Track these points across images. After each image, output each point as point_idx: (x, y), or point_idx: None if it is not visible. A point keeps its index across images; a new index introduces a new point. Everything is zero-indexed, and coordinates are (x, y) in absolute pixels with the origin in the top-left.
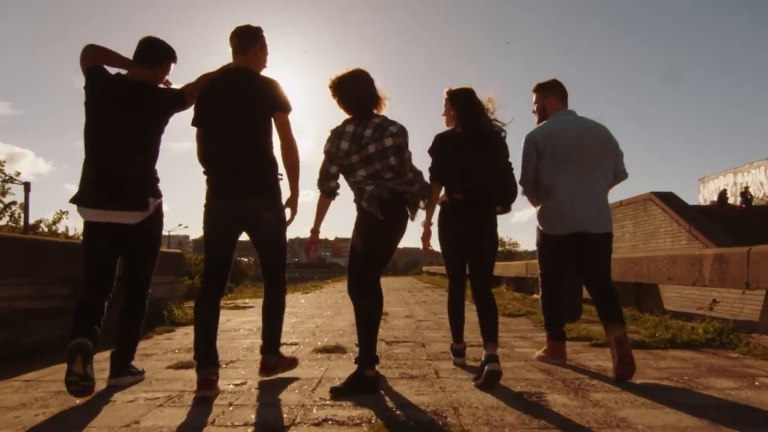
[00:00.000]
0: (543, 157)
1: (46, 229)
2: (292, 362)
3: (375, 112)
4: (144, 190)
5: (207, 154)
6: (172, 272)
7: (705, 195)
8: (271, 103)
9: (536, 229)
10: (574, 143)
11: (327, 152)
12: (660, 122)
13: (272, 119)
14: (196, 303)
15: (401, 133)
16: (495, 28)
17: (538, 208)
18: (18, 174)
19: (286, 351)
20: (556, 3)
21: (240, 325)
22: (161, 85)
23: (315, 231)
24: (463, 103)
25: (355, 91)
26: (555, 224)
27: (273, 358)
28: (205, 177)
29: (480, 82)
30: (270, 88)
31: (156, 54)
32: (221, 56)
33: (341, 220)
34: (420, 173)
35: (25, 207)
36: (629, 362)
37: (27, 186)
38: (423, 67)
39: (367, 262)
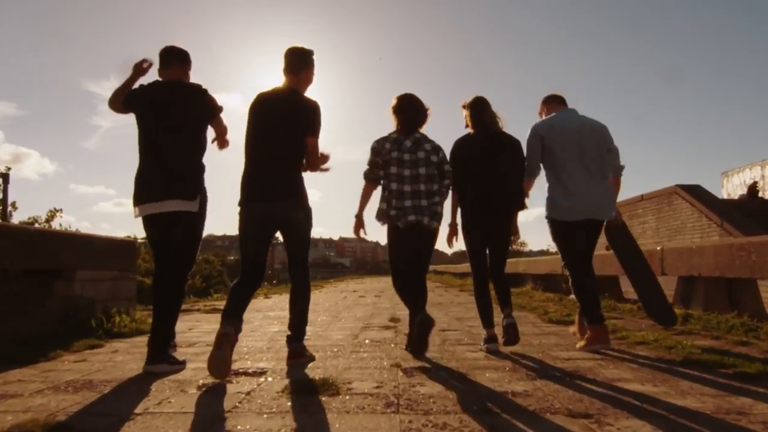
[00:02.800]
0: (547, 147)
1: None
2: (311, 357)
3: (418, 129)
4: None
5: (251, 163)
6: (118, 265)
7: (729, 189)
8: (306, 127)
9: (546, 221)
10: (574, 137)
11: (373, 149)
12: (677, 117)
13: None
14: (232, 287)
15: (434, 150)
16: (497, 28)
17: (546, 198)
18: (9, 169)
19: (242, 384)
20: (560, 3)
21: (204, 335)
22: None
23: (359, 216)
24: (477, 111)
25: (409, 114)
26: (563, 211)
27: (299, 346)
28: (242, 182)
29: (482, 82)
30: (312, 113)
31: (178, 56)
32: (222, 57)
33: (345, 221)
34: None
35: (4, 199)
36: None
37: (5, 177)
38: (424, 66)
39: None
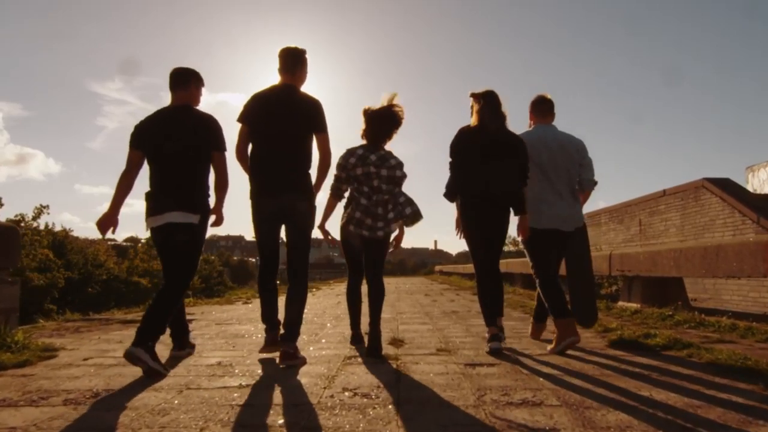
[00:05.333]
0: None
1: (25, 224)
2: (303, 360)
3: (383, 145)
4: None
5: (258, 159)
6: None
7: (754, 184)
8: (312, 123)
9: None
10: (549, 151)
11: (339, 164)
12: (696, 110)
13: (313, 135)
14: (258, 282)
15: (398, 166)
16: (497, 26)
17: None
18: None
19: None
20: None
21: (77, 380)
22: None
23: (322, 226)
24: (489, 104)
25: (378, 127)
26: (534, 219)
27: (292, 346)
28: (250, 177)
29: (482, 80)
30: (313, 109)
31: (186, 78)
32: (226, 56)
33: None
34: (410, 201)
35: None
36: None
37: None
38: (426, 64)
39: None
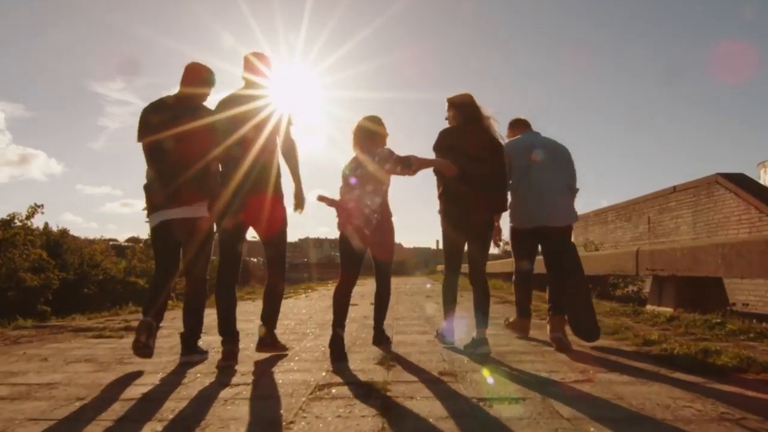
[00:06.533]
0: (514, 164)
1: (19, 224)
2: (283, 348)
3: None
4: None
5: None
6: None
7: (767, 180)
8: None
9: (509, 226)
10: (538, 153)
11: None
12: (702, 107)
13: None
14: (215, 291)
15: (358, 165)
16: (496, 27)
17: (509, 206)
18: None
19: None
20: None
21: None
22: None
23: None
24: (463, 109)
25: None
26: (522, 219)
27: (268, 337)
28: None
29: (478, 82)
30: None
31: (198, 74)
32: (230, 56)
33: None
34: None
35: None
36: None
37: None
38: (426, 66)
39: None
